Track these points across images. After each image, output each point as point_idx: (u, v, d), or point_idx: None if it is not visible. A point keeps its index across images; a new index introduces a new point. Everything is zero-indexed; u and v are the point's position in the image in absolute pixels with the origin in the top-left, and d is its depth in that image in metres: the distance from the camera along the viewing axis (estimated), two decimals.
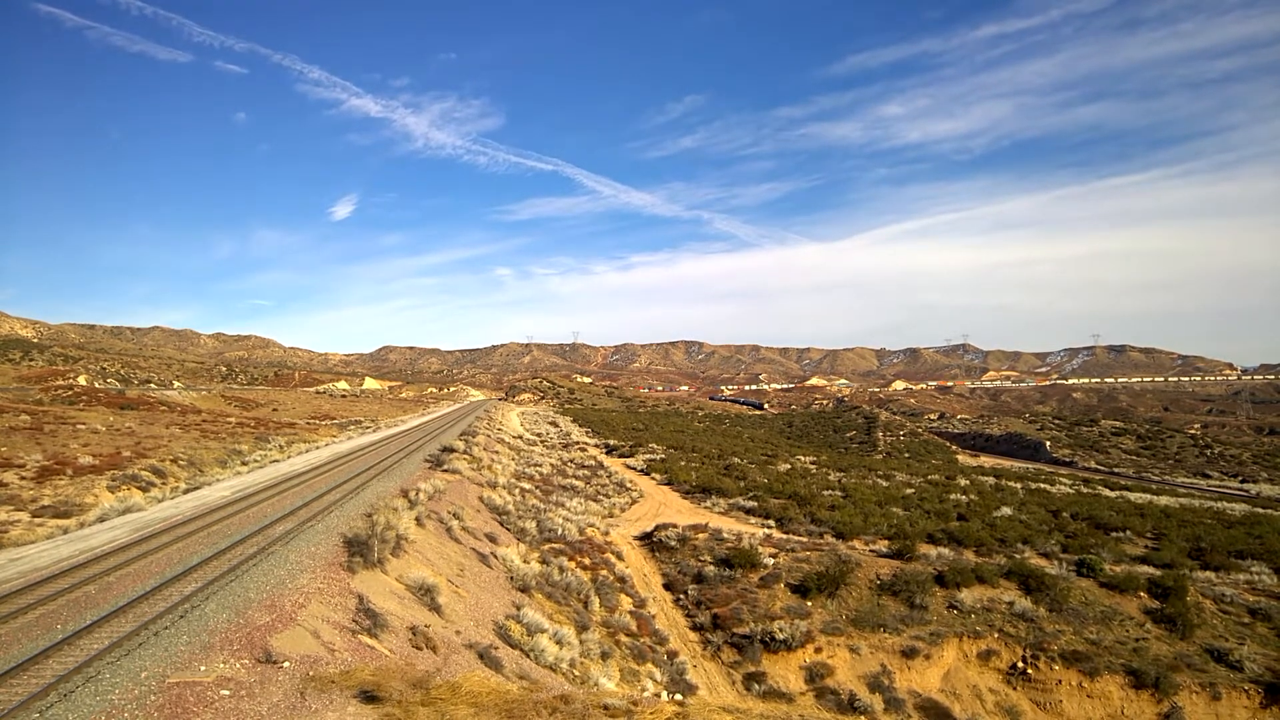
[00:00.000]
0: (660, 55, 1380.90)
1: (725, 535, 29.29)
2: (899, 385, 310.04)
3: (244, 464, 38.48)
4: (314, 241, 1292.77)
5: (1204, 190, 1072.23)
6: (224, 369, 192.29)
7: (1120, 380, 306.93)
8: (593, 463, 55.84)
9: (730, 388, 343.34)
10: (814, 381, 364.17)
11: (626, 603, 22.62)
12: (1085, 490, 56.70)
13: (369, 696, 8.98)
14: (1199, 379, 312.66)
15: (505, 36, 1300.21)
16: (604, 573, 23.79)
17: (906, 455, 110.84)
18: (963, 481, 55.60)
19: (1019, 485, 55.45)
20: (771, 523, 36.15)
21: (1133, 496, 53.93)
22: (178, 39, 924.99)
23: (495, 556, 21.27)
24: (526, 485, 37.77)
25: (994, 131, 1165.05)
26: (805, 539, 30.74)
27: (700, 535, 29.10)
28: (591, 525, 30.49)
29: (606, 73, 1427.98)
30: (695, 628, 22.84)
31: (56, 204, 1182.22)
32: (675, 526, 30.41)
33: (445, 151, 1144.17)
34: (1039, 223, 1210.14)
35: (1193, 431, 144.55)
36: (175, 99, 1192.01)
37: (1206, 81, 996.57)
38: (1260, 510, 50.01)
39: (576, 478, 45.56)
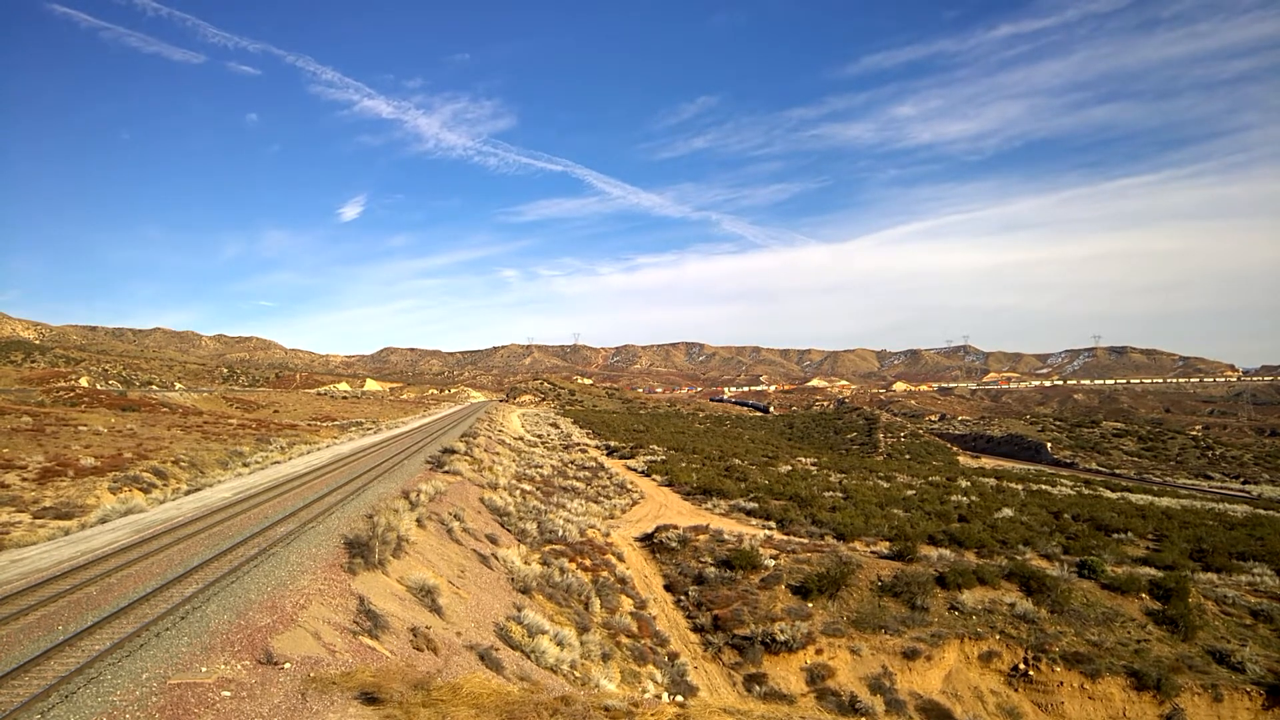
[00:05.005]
0: (674, 57, 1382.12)
1: (726, 537, 29.27)
2: (900, 386, 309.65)
3: (245, 465, 38.51)
4: (321, 243, 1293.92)
5: (1211, 191, 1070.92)
6: (225, 370, 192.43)
7: (1121, 381, 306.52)
8: (593, 464, 55.82)
9: (731, 389, 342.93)
10: (815, 383, 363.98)
11: (627, 604, 22.60)
12: (1086, 492, 56.61)
13: (370, 698, 8.98)
14: (1200, 380, 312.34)
15: (519, 37, 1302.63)
16: (605, 574, 23.78)
17: (907, 457, 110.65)
18: (963, 483, 55.51)
19: (1020, 487, 55.38)
20: (772, 524, 36.10)
21: (1134, 498, 53.85)
22: (192, 40, 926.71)
23: (496, 558, 21.27)
24: (527, 487, 37.75)
25: (1005, 132, 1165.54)
26: (806, 540, 30.71)
27: (701, 537, 29.08)
28: (592, 526, 30.46)
29: (620, 74, 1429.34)
30: (696, 629, 22.82)
31: (64, 206, 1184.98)
32: (676, 528, 30.38)
33: (455, 152, 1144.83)
34: (1045, 224, 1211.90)
35: (1194, 433, 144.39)
36: (188, 100, 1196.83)
37: (1220, 82, 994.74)
38: (1262, 512, 49.97)
39: (577, 479, 45.53)
